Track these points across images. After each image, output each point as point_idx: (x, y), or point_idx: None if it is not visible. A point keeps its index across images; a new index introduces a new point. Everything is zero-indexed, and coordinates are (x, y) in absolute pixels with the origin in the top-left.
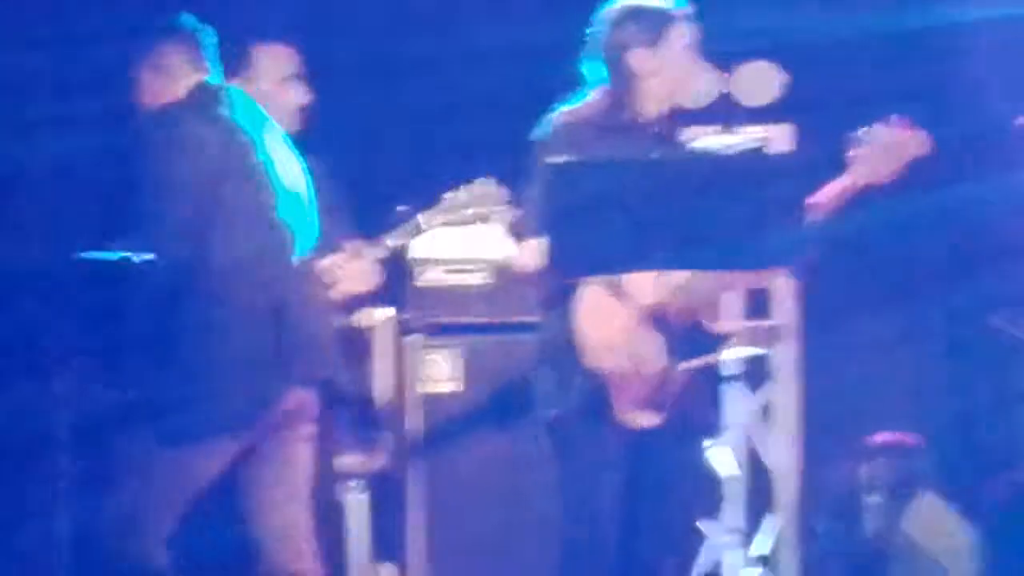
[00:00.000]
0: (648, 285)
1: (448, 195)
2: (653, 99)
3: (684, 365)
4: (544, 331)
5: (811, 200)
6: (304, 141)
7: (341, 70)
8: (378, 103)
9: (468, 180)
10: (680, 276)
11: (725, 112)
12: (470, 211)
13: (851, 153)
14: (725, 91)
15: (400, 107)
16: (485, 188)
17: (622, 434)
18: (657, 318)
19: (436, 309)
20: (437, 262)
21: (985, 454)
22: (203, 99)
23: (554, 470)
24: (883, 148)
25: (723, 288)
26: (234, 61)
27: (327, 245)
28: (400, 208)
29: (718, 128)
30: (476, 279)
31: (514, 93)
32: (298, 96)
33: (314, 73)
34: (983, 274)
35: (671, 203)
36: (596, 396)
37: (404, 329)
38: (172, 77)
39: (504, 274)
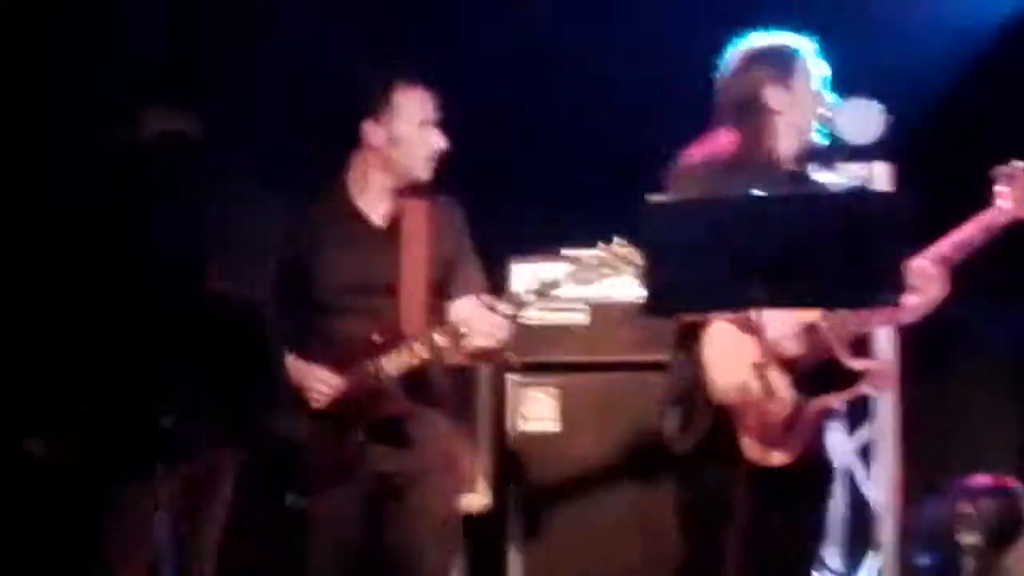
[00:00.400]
0: (779, 322)
1: (585, 255)
2: (785, 137)
3: (815, 403)
4: (672, 369)
5: (953, 237)
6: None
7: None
8: (511, 149)
9: (606, 239)
10: (810, 314)
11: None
12: (605, 270)
13: (999, 188)
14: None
15: (533, 154)
16: (622, 249)
17: (749, 473)
18: (787, 355)
19: (536, 347)
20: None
21: None
22: None
23: (679, 508)
24: None
25: (857, 327)
26: (374, 102)
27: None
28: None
29: (820, 166)
30: (576, 318)
31: (647, 140)
32: (435, 141)
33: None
34: None
35: (772, 241)
36: (723, 434)
37: (505, 367)
38: None
39: (602, 313)
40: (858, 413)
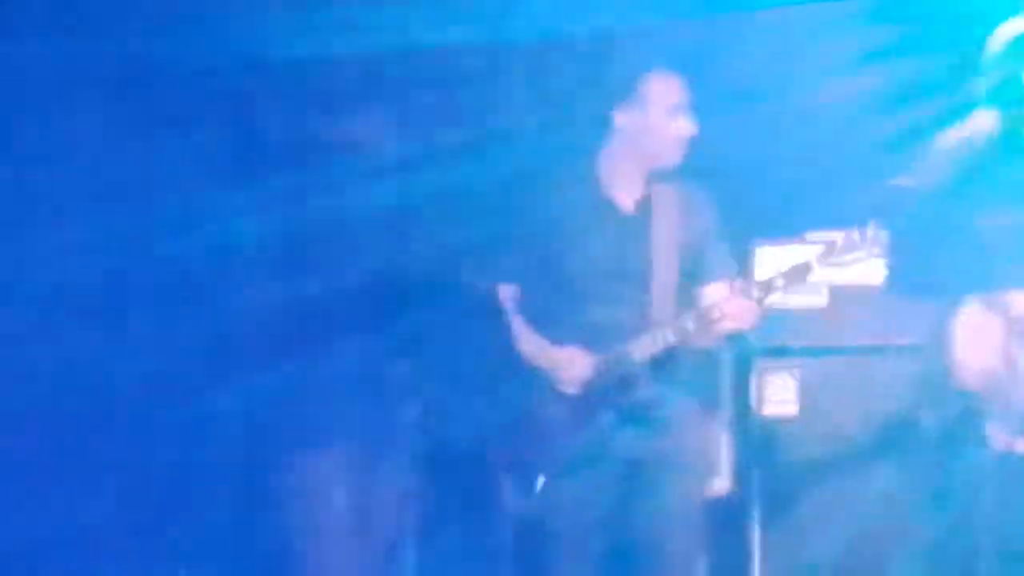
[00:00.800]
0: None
1: (839, 240)
2: None
3: None
4: (921, 353)
5: None
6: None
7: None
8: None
9: (860, 225)
10: None
11: None
12: (858, 254)
13: None
14: None
15: (780, 140)
16: (876, 233)
17: (996, 458)
18: None
19: (776, 331)
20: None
21: None
22: None
23: (919, 493)
24: None
25: None
26: (624, 91)
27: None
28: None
29: None
30: (816, 301)
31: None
32: (684, 127)
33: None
34: None
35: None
36: (970, 418)
37: (746, 351)
38: None
39: (841, 297)
40: None
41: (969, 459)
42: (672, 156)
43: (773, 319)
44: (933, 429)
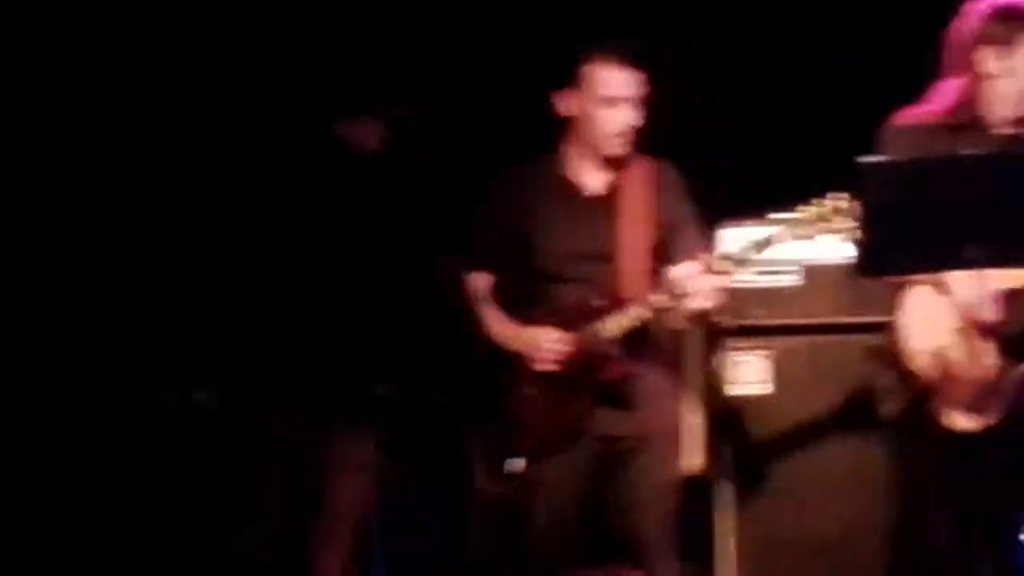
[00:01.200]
0: (977, 287)
1: (800, 209)
2: (1001, 102)
3: (1018, 369)
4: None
5: None
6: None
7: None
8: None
9: (820, 193)
10: (1012, 278)
11: None
12: (821, 226)
13: None
14: None
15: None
16: (837, 203)
17: (950, 438)
18: (986, 321)
19: (747, 310)
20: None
21: None
22: None
23: (885, 473)
24: None
25: None
26: (570, 76)
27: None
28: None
29: None
30: (789, 280)
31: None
32: (622, 118)
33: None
34: None
35: (989, 201)
36: (921, 400)
37: (715, 331)
38: None
39: (815, 275)
40: None
41: (922, 438)
42: (610, 146)
43: (747, 297)
44: (890, 408)
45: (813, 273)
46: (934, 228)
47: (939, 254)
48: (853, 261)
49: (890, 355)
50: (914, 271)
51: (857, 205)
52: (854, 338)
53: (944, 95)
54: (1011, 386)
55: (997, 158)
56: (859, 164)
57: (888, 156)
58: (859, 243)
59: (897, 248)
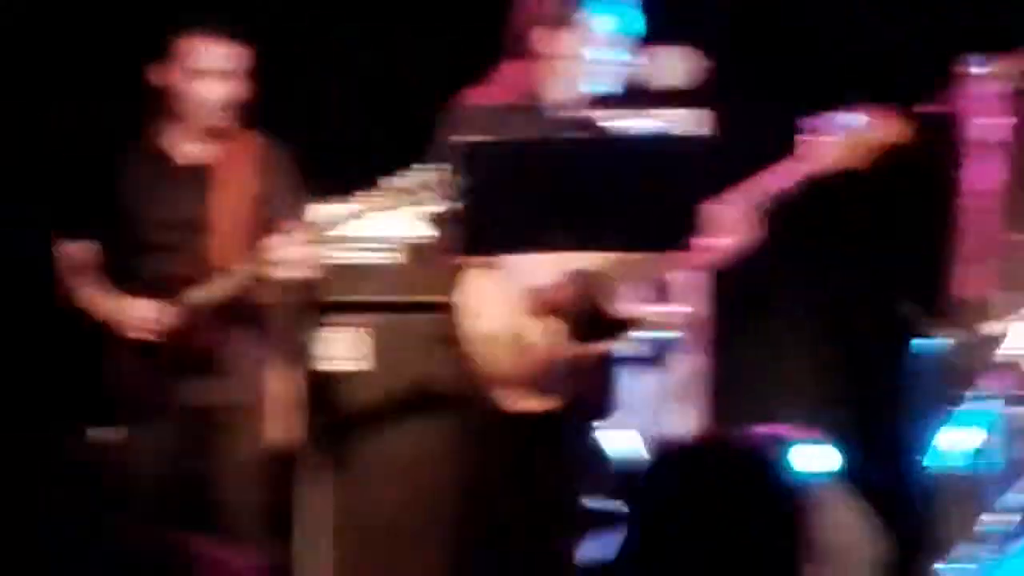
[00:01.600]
0: (543, 266)
1: (384, 181)
2: (558, 83)
3: (580, 350)
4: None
5: (758, 181)
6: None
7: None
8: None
9: (405, 165)
10: (580, 260)
11: (642, 96)
12: (406, 197)
13: (809, 138)
14: (642, 74)
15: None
16: (423, 175)
17: (512, 420)
18: (551, 302)
19: (345, 285)
20: (344, 239)
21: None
22: None
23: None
24: (849, 135)
25: (653, 272)
26: (164, 49)
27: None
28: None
29: (633, 111)
30: (385, 257)
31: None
32: (216, 92)
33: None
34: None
35: (581, 184)
36: (483, 381)
37: (309, 305)
38: None
39: (413, 253)
40: (662, 358)
41: (484, 419)
42: (203, 118)
43: (345, 273)
44: (454, 387)
45: (411, 251)
46: (526, 210)
47: (531, 236)
48: (440, 239)
49: (452, 336)
50: (502, 252)
51: (445, 181)
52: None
53: (506, 76)
54: (575, 368)
55: (583, 142)
56: (455, 144)
57: (456, 136)
58: (452, 222)
59: (491, 229)
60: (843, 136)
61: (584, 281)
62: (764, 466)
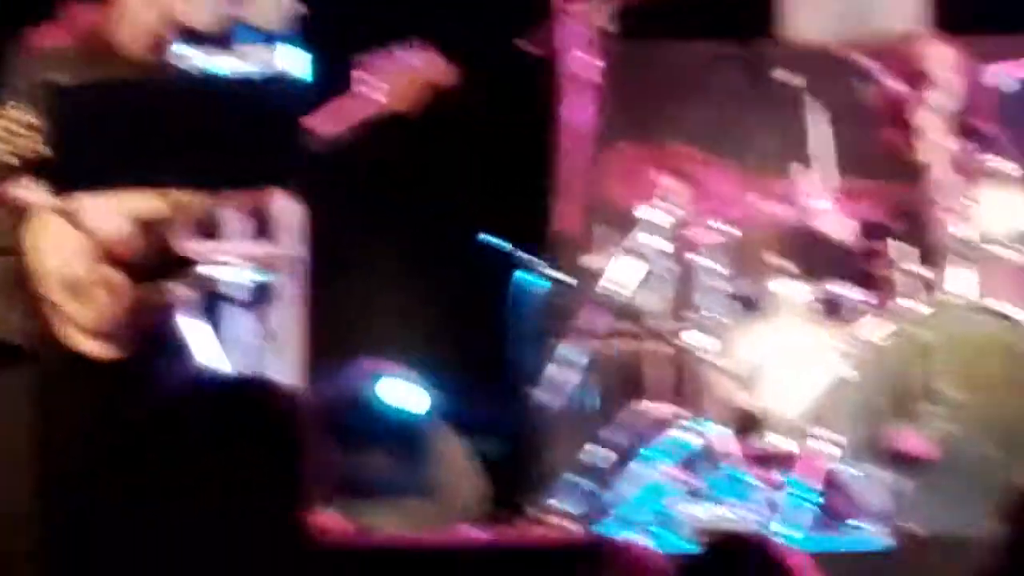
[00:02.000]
0: (111, 212)
1: None
2: (131, 28)
3: (153, 292)
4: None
5: (315, 120)
6: None
7: None
8: None
9: None
10: (147, 204)
11: (233, 35)
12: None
13: (362, 75)
14: (235, 14)
15: None
16: (16, 114)
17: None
18: (118, 246)
19: None
20: None
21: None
22: None
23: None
24: (401, 73)
25: (214, 207)
26: None
27: None
28: None
29: (223, 51)
30: None
31: None
32: None
33: None
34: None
35: (167, 124)
36: (46, 323)
37: None
38: None
39: None
40: (264, 297)
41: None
42: None
43: None
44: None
45: None
46: (124, 149)
47: (130, 174)
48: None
49: (21, 277)
50: (97, 190)
51: (38, 122)
52: None
53: (75, 18)
54: (143, 315)
55: (166, 83)
56: (48, 85)
57: (31, 78)
58: (48, 161)
59: (88, 167)
60: (393, 75)
61: (147, 225)
62: None
